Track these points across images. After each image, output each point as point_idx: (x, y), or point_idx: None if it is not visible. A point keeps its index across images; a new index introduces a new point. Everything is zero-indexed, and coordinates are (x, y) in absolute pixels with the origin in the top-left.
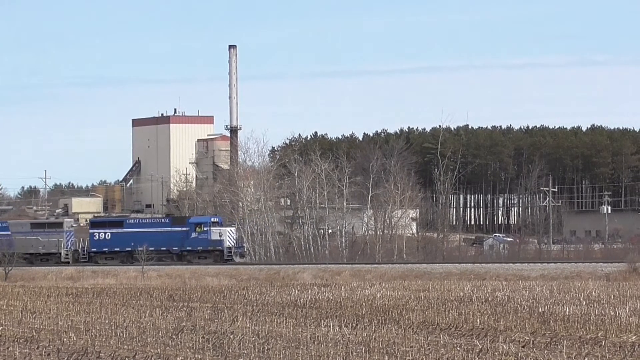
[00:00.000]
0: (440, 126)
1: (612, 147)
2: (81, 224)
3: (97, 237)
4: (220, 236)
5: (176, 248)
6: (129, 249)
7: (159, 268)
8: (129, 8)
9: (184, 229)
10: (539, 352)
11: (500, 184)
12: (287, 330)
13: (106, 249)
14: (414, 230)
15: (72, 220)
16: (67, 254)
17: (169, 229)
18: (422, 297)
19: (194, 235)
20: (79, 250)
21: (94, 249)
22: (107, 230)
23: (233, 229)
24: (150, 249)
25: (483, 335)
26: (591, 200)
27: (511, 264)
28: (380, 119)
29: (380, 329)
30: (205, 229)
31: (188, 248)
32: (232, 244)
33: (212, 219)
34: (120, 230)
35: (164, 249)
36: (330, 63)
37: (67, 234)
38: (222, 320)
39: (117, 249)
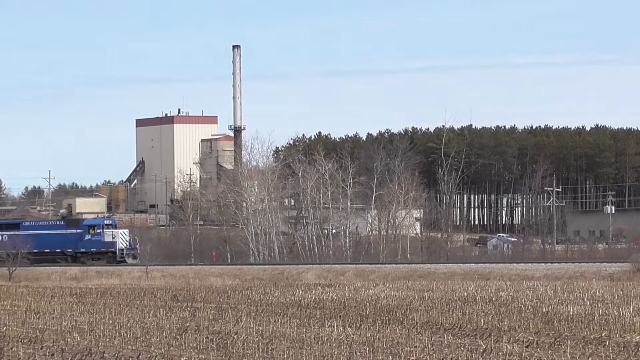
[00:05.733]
0: (444, 126)
1: (616, 147)
2: None
3: None
4: (113, 238)
5: (70, 250)
6: (25, 251)
7: (163, 268)
8: (133, 8)
9: (78, 231)
10: (542, 352)
11: (504, 183)
12: (291, 330)
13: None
14: (418, 230)
15: None
16: None
17: (63, 231)
18: (426, 297)
19: (87, 237)
20: None
21: None
22: (3, 233)
23: (126, 231)
24: (46, 250)
25: (487, 335)
26: (595, 200)
27: (515, 264)
28: (384, 119)
29: (384, 329)
30: (98, 231)
31: (82, 250)
32: (125, 245)
33: (106, 222)
34: (16, 232)
35: (59, 250)
36: (334, 63)
37: None
38: (226, 321)
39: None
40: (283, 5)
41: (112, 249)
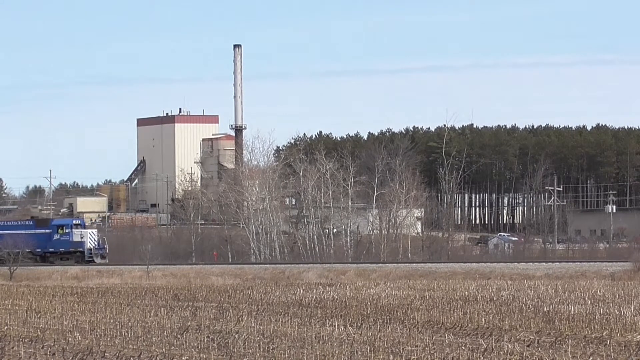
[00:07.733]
0: (445, 125)
1: (617, 146)
2: None
3: None
4: (81, 238)
5: (39, 249)
6: None
7: (164, 267)
8: (134, 8)
9: (47, 231)
10: (543, 351)
11: (505, 183)
12: (292, 329)
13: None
14: (419, 230)
15: None
16: None
17: (32, 230)
18: (427, 297)
19: (56, 237)
20: None
21: None
22: None
23: (95, 230)
24: (16, 250)
25: (488, 335)
26: (596, 199)
27: (516, 263)
28: (385, 118)
29: (385, 328)
30: (67, 230)
31: (51, 249)
32: (94, 245)
33: (74, 221)
34: None
35: (28, 250)
36: (335, 62)
37: None
38: (227, 320)
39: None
40: (284, 5)
41: (81, 249)
